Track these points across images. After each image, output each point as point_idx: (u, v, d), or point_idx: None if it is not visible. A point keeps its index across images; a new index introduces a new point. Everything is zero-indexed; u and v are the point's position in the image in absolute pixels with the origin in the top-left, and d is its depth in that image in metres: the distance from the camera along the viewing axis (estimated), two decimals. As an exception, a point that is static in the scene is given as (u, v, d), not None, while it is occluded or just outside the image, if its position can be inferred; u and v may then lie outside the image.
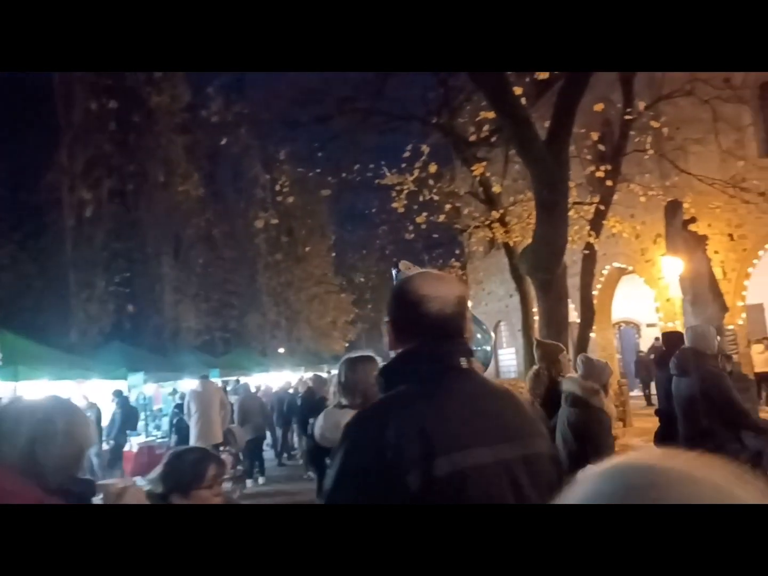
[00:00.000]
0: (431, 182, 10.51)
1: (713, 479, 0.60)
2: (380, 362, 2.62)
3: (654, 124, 10.68)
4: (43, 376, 9.17)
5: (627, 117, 10.55)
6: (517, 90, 7.78)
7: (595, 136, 10.96)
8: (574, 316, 11.91)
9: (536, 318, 8.99)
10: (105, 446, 10.09)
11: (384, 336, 1.42)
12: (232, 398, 12.85)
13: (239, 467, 9.60)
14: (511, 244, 11.23)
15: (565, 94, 7.46)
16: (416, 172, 9.94)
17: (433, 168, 9.88)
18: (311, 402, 7.89)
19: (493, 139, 10.69)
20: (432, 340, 1.28)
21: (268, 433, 11.82)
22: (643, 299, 15.72)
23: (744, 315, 13.56)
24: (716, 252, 13.22)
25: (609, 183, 10.55)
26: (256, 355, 21.90)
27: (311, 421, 2.96)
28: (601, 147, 11.32)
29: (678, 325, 11.21)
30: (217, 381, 14.95)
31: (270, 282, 25.59)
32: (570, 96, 7.41)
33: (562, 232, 7.96)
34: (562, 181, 7.83)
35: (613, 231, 12.09)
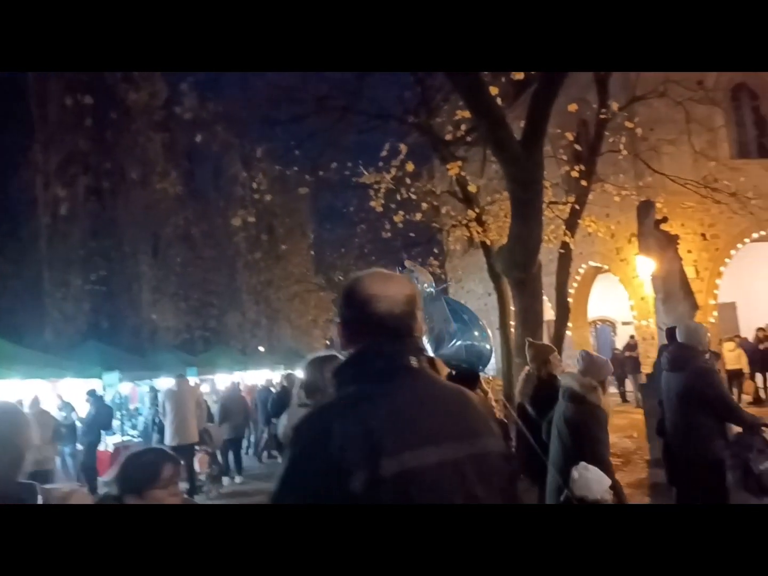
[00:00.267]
0: (409, 181, 10.52)
1: None
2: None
3: (628, 124, 10.82)
4: (15, 375, 9.04)
5: (602, 117, 10.67)
6: (493, 90, 7.83)
7: (570, 136, 11.07)
8: (551, 314, 12.03)
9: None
10: (79, 446, 9.98)
11: (336, 337, 1.41)
12: (209, 398, 12.82)
13: (215, 466, 9.56)
14: (488, 243, 11.29)
15: (539, 94, 7.50)
16: (393, 171, 9.95)
17: (410, 167, 9.89)
18: (284, 400, 7.89)
19: (469, 138, 10.74)
20: (381, 340, 1.27)
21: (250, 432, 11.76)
22: (618, 298, 15.92)
23: (716, 313, 13.81)
24: (689, 251, 13.46)
25: (584, 183, 10.67)
26: (235, 354, 21.78)
27: (274, 421, 2.97)
28: (577, 147, 11.43)
29: (651, 324, 11.38)
30: (195, 380, 14.87)
31: (250, 281, 25.46)
32: (544, 97, 7.46)
33: (537, 232, 8.01)
34: (536, 181, 7.89)
35: (588, 230, 12.23)
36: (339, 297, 1.37)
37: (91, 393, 10.30)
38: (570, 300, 15.58)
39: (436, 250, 14.63)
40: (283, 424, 2.59)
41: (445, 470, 1.18)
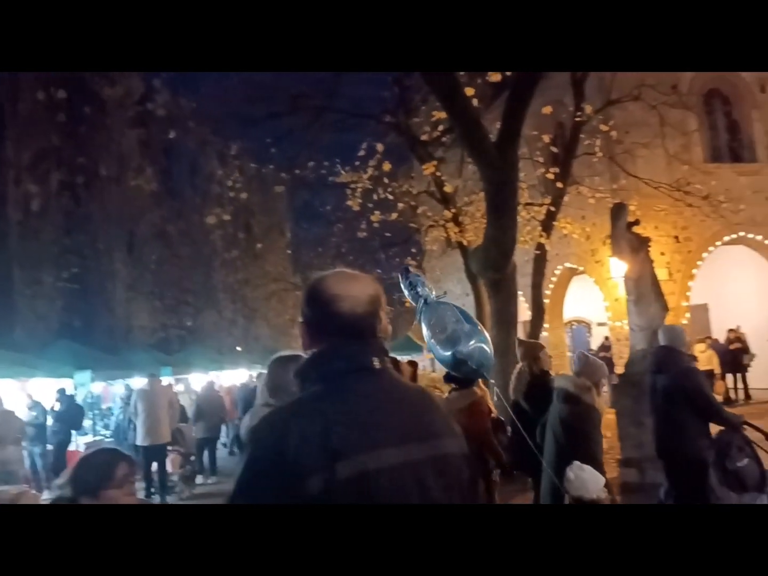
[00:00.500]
0: (386, 180, 10.54)
1: None
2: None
3: (603, 127, 10.95)
4: (-18, 374, 8.86)
5: (577, 120, 10.78)
6: (469, 91, 7.85)
7: (547, 138, 11.18)
8: (527, 314, 12.13)
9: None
10: (49, 446, 9.81)
11: (299, 337, 1.39)
12: (185, 397, 12.69)
13: (188, 466, 9.45)
14: (465, 243, 11.34)
15: (514, 96, 7.56)
16: (370, 171, 9.95)
17: (387, 167, 9.90)
18: (253, 400, 7.83)
19: (445, 139, 10.78)
20: (343, 340, 1.26)
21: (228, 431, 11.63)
22: (593, 299, 16.08)
23: (688, 315, 14.03)
24: (662, 253, 13.65)
25: (559, 185, 10.78)
26: (211, 353, 21.61)
27: (236, 421, 2.94)
28: (554, 149, 11.54)
29: (625, 325, 11.50)
30: (169, 379, 14.72)
31: (226, 279, 25.29)
32: (519, 99, 7.52)
33: (512, 233, 8.07)
34: (511, 182, 7.94)
35: (564, 232, 12.36)
36: (303, 296, 1.35)
37: (61, 392, 10.14)
38: (546, 301, 15.73)
39: (413, 250, 14.70)
40: (246, 424, 2.56)
41: (404, 472, 1.17)
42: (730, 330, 14.18)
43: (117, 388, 14.52)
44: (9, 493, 1.76)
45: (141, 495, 8.28)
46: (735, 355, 13.67)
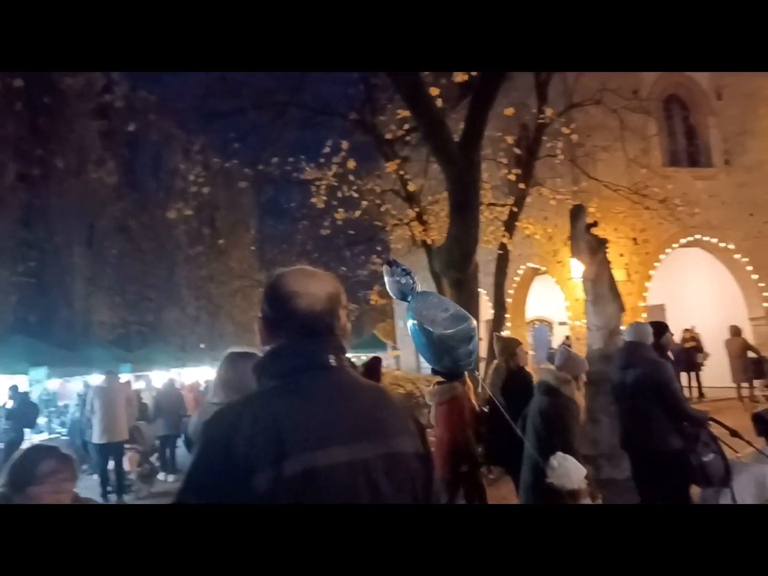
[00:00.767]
0: (351, 178, 10.52)
1: None
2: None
3: (565, 130, 11.13)
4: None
5: (540, 122, 10.94)
6: (434, 91, 7.91)
7: (511, 139, 11.30)
8: (491, 313, 12.27)
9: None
10: (0, 445, 9.55)
11: (256, 333, 1.39)
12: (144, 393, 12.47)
13: (146, 465, 9.31)
14: (429, 242, 11.41)
15: (477, 97, 7.64)
16: (335, 168, 9.93)
17: (351, 164, 9.89)
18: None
19: (409, 137, 10.83)
20: (300, 337, 1.26)
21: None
22: (555, 298, 16.35)
23: (645, 315, 14.36)
24: (621, 255, 13.95)
25: (522, 186, 10.93)
26: (174, 350, 21.30)
27: (184, 419, 2.91)
28: (517, 150, 11.68)
29: (584, 324, 11.73)
30: (129, 376, 14.48)
31: (190, 275, 24.91)
32: (482, 100, 7.60)
33: (474, 232, 8.15)
34: (474, 182, 8.03)
35: (526, 232, 12.54)
36: (263, 294, 1.35)
37: (13, 389, 9.87)
38: (509, 300, 15.94)
39: (379, 248, 14.71)
40: (194, 421, 2.54)
41: (354, 469, 1.17)
42: (686, 330, 14.58)
43: (75, 384, 14.21)
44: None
45: (97, 494, 8.12)
46: (690, 354, 14.06)
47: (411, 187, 10.78)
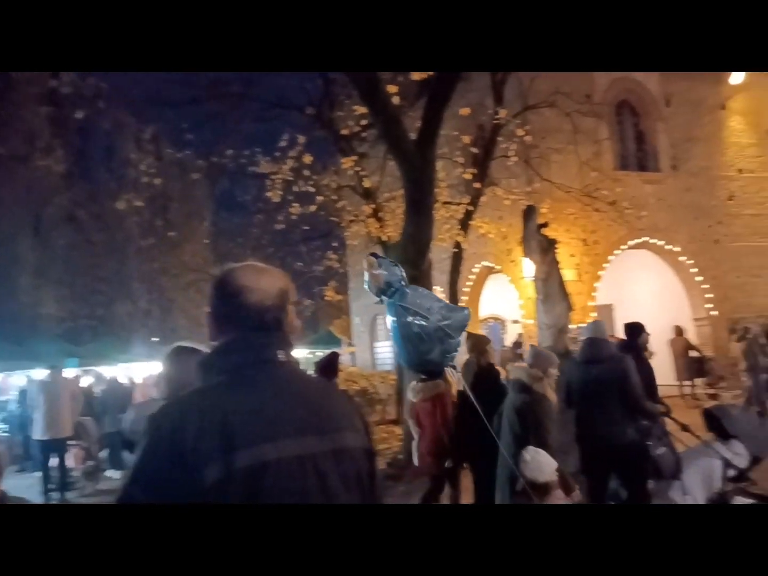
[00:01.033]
0: (307, 173, 10.45)
1: None
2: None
3: (519, 132, 11.32)
4: None
5: (495, 122, 11.09)
6: (392, 88, 7.93)
7: (467, 139, 11.42)
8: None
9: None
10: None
11: (205, 327, 1.38)
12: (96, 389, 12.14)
13: (91, 462, 9.08)
14: (385, 239, 11.43)
15: (433, 97, 7.70)
16: (290, 162, 9.85)
17: (308, 159, 9.83)
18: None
19: (365, 134, 10.82)
20: (249, 332, 1.27)
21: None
22: (508, 297, 16.62)
23: (594, 314, 14.73)
24: (572, 255, 14.28)
25: (477, 185, 11.06)
26: (124, 345, 20.80)
27: (119, 416, 2.86)
28: (474, 150, 11.81)
29: (535, 323, 11.99)
30: (76, 371, 14.08)
31: (142, 268, 24.32)
32: (438, 99, 7.66)
33: (428, 230, 8.22)
34: (429, 180, 8.09)
35: (481, 231, 12.70)
36: (211, 287, 1.34)
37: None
38: (464, 298, 16.14)
39: (335, 244, 14.65)
40: (130, 418, 2.50)
41: (302, 464, 1.18)
42: (632, 329, 15.03)
43: (17, 379, 13.74)
44: None
45: (37, 492, 7.89)
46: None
47: (367, 184, 10.79)
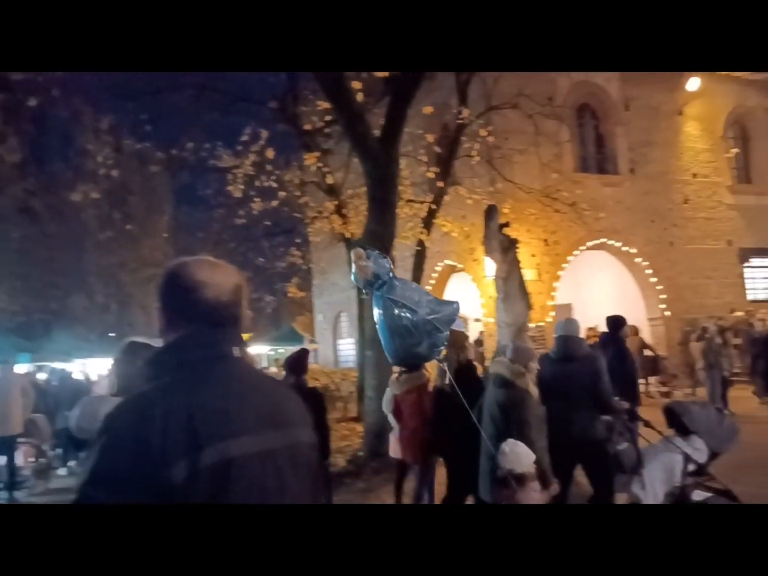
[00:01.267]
0: (270, 168, 10.36)
1: None
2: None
3: (483, 132, 11.43)
4: None
5: (459, 122, 11.18)
6: (356, 84, 7.91)
7: (431, 138, 11.48)
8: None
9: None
10: None
11: (156, 321, 1.35)
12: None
13: (42, 460, 8.83)
14: (348, 236, 11.42)
15: (397, 95, 7.72)
16: (252, 156, 9.74)
17: (270, 153, 9.74)
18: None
19: (329, 130, 10.78)
20: (205, 327, 1.25)
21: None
22: (471, 295, 16.77)
23: (553, 313, 15.01)
24: (533, 255, 14.50)
25: (440, 184, 11.13)
26: (79, 340, 20.28)
27: (66, 413, 2.78)
28: (437, 149, 11.89)
29: (494, 322, 12.15)
30: (27, 366, 13.68)
31: (99, 262, 23.72)
32: (401, 98, 7.69)
33: (391, 227, 8.25)
34: (392, 178, 8.11)
35: (444, 230, 12.80)
36: (161, 283, 1.31)
37: None
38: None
39: (298, 240, 14.56)
40: (75, 415, 2.44)
41: (264, 459, 1.19)
42: (589, 328, 15.30)
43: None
44: None
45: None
46: (593, 352, 14.81)
47: (330, 180, 10.75)
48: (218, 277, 1.30)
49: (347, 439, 10.00)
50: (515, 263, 8.82)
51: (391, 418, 5.61)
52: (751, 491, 4.80)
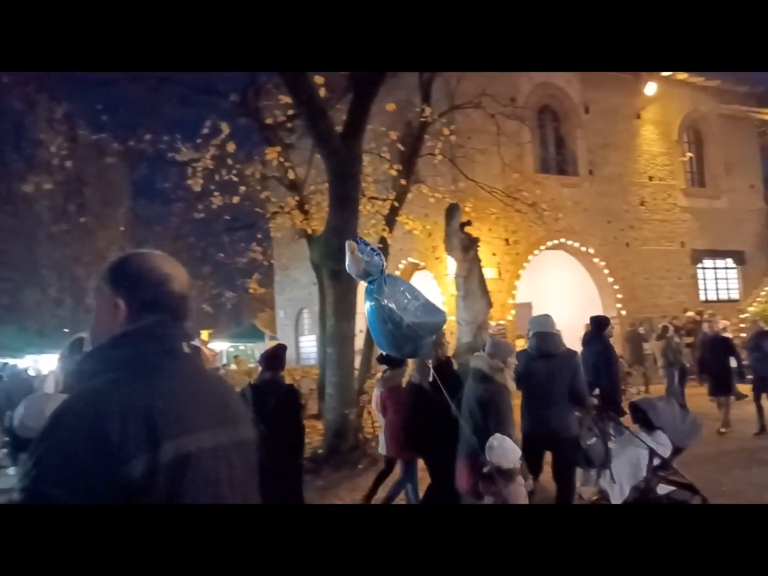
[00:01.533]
0: (230, 162, 10.20)
1: None
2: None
3: (445, 131, 11.49)
4: None
5: (422, 120, 11.21)
6: (318, 79, 7.85)
7: (394, 135, 11.49)
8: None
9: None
10: None
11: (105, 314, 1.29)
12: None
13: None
14: (310, 232, 11.34)
15: (359, 92, 7.70)
16: (213, 150, 9.58)
17: (231, 147, 9.59)
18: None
19: (291, 125, 10.68)
20: (165, 321, 1.23)
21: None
22: (433, 293, 16.87)
23: (513, 312, 15.23)
24: (494, 254, 14.67)
25: (403, 182, 11.15)
26: (31, 335, 19.69)
27: (9, 413, 2.70)
28: (400, 147, 11.89)
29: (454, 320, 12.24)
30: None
31: (53, 254, 23.01)
32: (364, 95, 7.67)
33: (353, 224, 8.22)
34: (354, 175, 8.09)
35: (407, 228, 12.82)
36: (118, 273, 1.25)
37: None
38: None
39: (259, 236, 14.39)
40: (20, 413, 2.36)
41: (216, 455, 1.20)
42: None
43: None
44: None
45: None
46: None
47: (292, 175, 10.65)
48: (178, 270, 1.29)
49: (307, 437, 9.92)
50: (476, 262, 8.92)
51: (378, 416, 5.68)
52: (698, 485, 4.97)
